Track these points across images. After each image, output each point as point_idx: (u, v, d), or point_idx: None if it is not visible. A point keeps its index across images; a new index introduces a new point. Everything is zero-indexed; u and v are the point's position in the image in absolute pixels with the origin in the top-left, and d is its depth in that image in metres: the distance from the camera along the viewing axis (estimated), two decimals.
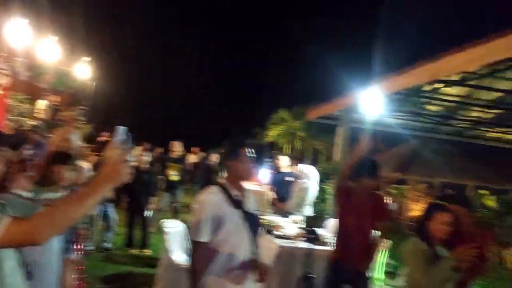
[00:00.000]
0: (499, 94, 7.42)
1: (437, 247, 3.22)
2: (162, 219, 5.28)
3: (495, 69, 5.74)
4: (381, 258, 5.24)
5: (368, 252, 3.87)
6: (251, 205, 2.59)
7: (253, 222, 2.52)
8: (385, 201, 4.15)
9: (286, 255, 4.44)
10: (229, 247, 2.40)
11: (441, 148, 11.80)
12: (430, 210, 3.25)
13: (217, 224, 2.39)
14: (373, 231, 3.86)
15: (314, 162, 15.17)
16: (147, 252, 6.55)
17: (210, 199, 2.45)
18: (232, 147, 2.58)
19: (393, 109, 7.98)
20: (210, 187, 2.52)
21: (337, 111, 8.43)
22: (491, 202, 8.89)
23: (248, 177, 2.59)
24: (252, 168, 2.58)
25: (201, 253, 2.40)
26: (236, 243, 2.43)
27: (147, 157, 6.89)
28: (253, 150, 2.55)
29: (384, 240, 5.12)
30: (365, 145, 3.82)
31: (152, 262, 5.71)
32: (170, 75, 35.38)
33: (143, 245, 6.60)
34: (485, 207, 8.44)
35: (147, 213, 6.62)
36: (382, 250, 5.20)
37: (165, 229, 4.61)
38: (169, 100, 35.71)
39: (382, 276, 5.25)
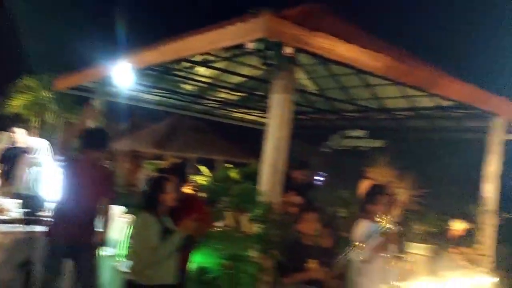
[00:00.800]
0: (242, 79, 8.35)
1: (165, 219, 3.35)
2: None
3: (234, 54, 6.38)
4: (125, 233, 5.21)
5: (91, 224, 3.77)
6: None
7: None
8: (111, 174, 4.12)
9: (7, 241, 3.94)
10: None
11: (194, 125, 12.73)
12: (156, 183, 3.35)
13: None
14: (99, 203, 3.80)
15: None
16: None
17: None
18: None
19: (150, 85, 8.03)
20: None
21: (90, 83, 7.94)
22: (235, 174, 10.01)
23: None
24: None
25: None
26: None
27: None
28: None
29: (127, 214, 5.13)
30: (89, 116, 3.71)
31: None
32: None
33: None
34: (229, 179, 9.45)
35: None
36: (127, 225, 5.17)
37: None
38: None
39: (125, 251, 5.23)
